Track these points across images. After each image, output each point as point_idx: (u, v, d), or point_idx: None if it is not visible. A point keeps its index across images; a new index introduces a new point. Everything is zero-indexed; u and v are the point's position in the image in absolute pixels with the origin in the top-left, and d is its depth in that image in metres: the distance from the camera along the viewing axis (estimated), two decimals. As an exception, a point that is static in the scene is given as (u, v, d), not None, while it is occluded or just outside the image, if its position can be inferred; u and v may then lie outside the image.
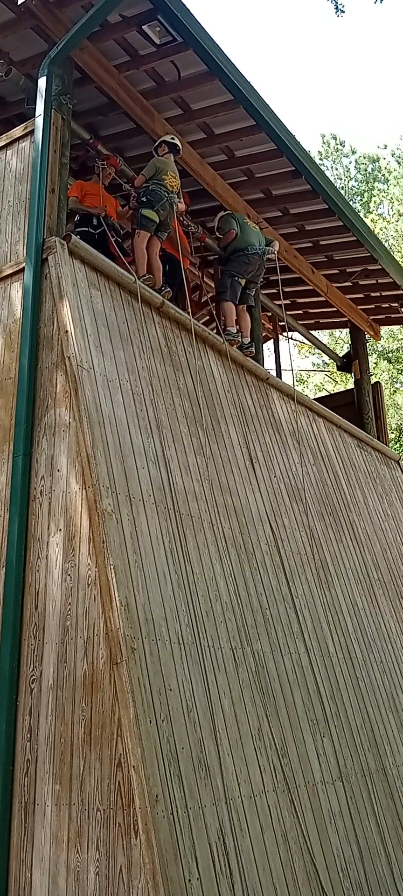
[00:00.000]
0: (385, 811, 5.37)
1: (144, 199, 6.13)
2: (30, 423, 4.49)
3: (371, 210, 22.60)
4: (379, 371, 19.70)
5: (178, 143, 6.45)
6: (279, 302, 8.67)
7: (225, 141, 7.02)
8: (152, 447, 4.81)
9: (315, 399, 10.02)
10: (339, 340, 20.55)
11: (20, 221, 5.11)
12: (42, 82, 5.20)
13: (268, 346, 11.87)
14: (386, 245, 17.55)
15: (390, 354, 20.22)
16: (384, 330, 15.57)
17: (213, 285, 8.39)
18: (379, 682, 6.29)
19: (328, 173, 24.21)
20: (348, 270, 9.20)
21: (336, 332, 20.53)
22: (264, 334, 10.26)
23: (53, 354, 4.59)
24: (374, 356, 19.81)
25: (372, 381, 10.63)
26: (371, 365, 18.54)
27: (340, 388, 18.55)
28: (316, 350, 18.04)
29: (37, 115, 5.16)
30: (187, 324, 5.93)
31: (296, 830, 4.39)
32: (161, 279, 6.04)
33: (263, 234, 7.29)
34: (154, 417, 4.99)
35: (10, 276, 5.02)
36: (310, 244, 8.72)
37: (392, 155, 24.39)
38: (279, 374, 10.40)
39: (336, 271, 9.27)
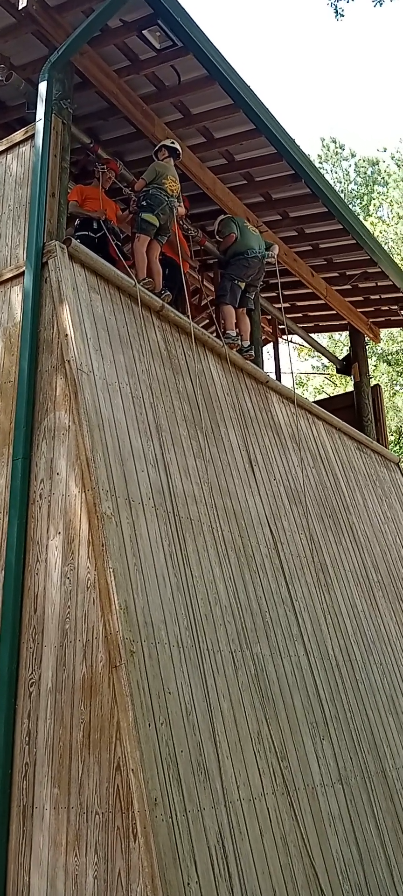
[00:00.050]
0: (384, 814, 5.37)
1: (144, 203, 6.14)
2: (29, 427, 4.50)
3: (370, 213, 22.62)
4: (379, 373, 19.71)
5: (178, 147, 6.47)
6: (278, 305, 8.69)
7: (224, 145, 7.04)
8: (152, 450, 4.82)
9: (314, 402, 10.03)
10: (339, 343, 20.56)
11: (20, 225, 5.13)
12: (42, 87, 5.22)
13: (268, 349, 11.87)
14: (386, 248, 17.56)
15: (389, 357, 20.23)
16: (383, 332, 15.58)
17: (213, 289, 8.40)
18: (379, 685, 6.30)
19: (327, 177, 24.24)
20: (347, 273, 9.22)
21: (336, 335, 20.55)
22: (264, 337, 10.27)
23: (53, 358, 4.60)
24: (374, 359, 19.82)
25: (372, 384, 10.64)
26: (371, 367, 18.56)
27: (340, 390, 18.55)
28: (316, 353, 18.04)
29: (37, 119, 5.18)
30: (187, 327, 5.94)
31: (296, 833, 4.39)
32: (161, 283, 6.05)
33: (263, 238, 7.30)
34: (153, 421, 5.00)
35: (10, 279, 5.03)
36: (310, 247, 8.73)
37: (392, 158, 24.41)
38: (278, 377, 10.42)
39: (336, 274, 9.29)
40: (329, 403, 10.32)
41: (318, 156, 25.31)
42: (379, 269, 8.84)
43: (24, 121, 6.14)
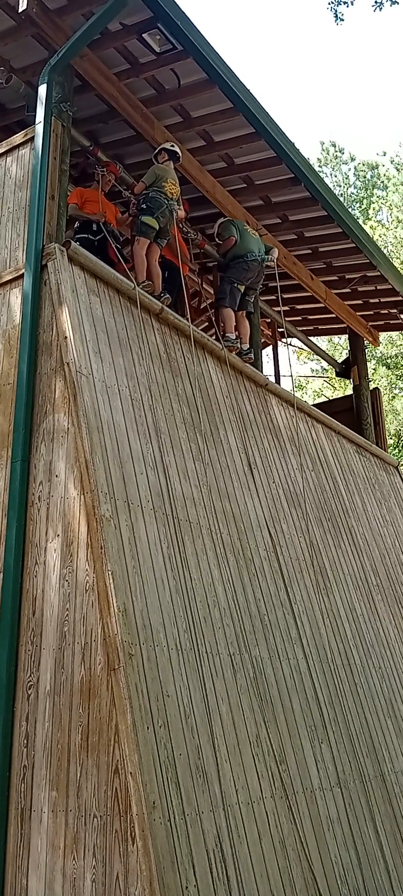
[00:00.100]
0: (383, 817, 5.37)
1: (144, 206, 6.15)
2: (28, 429, 4.50)
3: (370, 217, 22.65)
4: (378, 377, 19.72)
5: (178, 150, 6.48)
6: (278, 308, 8.69)
7: (224, 148, 7.05)
8: (151, 453, 4.82)
9: (313, 405, 10.03)
10: (338, 346, 20.58)
11: (20, 228, 5.13)
12: (42, 90, 5.22)
13: (267, 353, 11.88)
14: (385, 251, 17.59)
15: (389, 360, 20.25)
16: (382, 336, 15.62)
17: (212, 292, 8.41)
18: (378, 688, 6.29)
19: (327, 180, 24.28)
20: (347, 277, 9.23)
21: (335, 338, 20.56)
22: (263, 340, 10.28)
23: (52, 360, 4.60)
24: (373, 362, 19.83)
25: (371, 387, 10.64)
26: (370, 371, 18.57)
27: (339, 393, 18.57)
28: (315, 356, 18.05)
29: (37, 122, 5.18)
30: (186, 330, 5.95)
31: (294, 837, 4.38)
32: (160, 286, 6.06)
33: (263, 241, 7.31)
34: (153, 423, 5.00)
35: (10, 282, 5.03)
36: (309, 251, 8.74)
37: (391, 162, 24.46)
38: (278, 380, 10.43)
39: (335, 278, 9.30)
40: (328, 407, 10.33)
41: (318, 159, 25.37)
42: (379, 273, 8.86)
43: (23, 123, 6.15)
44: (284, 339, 10.94)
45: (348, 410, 9.98)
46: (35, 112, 5.25)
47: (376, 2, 8.68)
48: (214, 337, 6.72)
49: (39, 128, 5.14)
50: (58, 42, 5.56)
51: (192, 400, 5.65)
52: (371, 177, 25.33)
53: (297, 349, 17.15)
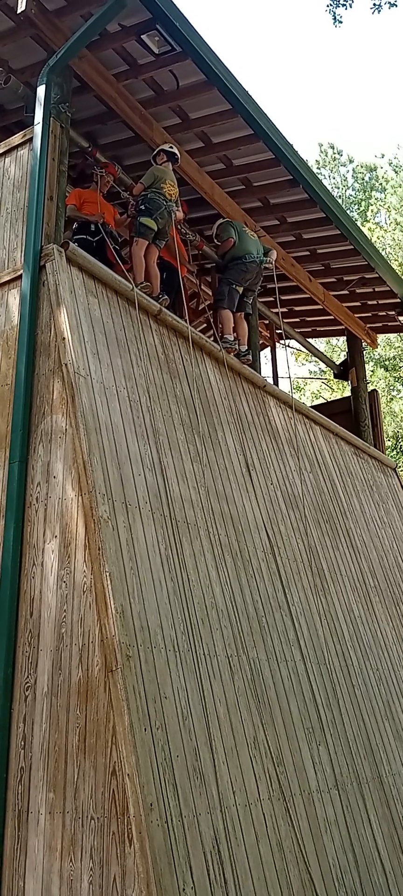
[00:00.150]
0: (380, 820, 5.37)
1: (142, 207, 6.15)
2: (26, 430, 4.49)
3: (368, 219, 22.69)
4: (376, 379, 19.74)
5: (177, 151, 6.48)
6: (276, 310, 8.70)
7: (223, 150, 7.05)
8: (149, 454, 4.81)
9: (312, 407, 10.04)
10: (336, 348, 20.60)
11: (18, 229, 5.13)
12: (41, 90, 5.22)
13: (265, 354, 11.88)
14: (383, 253, 17.62)
15: (387, 362, 20.27)
16: (381, 338, 15.62)
17: (211, 293, 8.41)
18: (375, 690, 6.29)
19: (325, 182, 24.32)
20: (345, 279, 9.24)
21: (333, 340, 20.59)
22: (261, 342, 10.29)
23: (50, 361, 4.60)
24: (371, 364, 19.86)
25: (369, 389, 10.65)
26: (368, 373, 18.58)
27: (337, 395, 18.59)
28: (313, 358, 18.08)
29: (35, 122, 5.18)
30: (184, 331, 5.95)
31: (292, 839, 4.38)
32: (158, 287, 6.06)
33: (261, 243, 7.32)
34: (151, 424, 4.99)
35: (8, 282, 5.03)
36: (308, 253, 8.75)
37: (390, 164, 24.50)
38: (276, 382, 10.43)
39: (334, 279, 9.31)
40: (326, 408, 10.33)
41: (316, 161, 25.39)
42: (377, 275, 8.87)
43: (22, 124, 6.15)
44: (282, 341, 10.96)
45: (346, 412, 9.98)
46: (34, 113, 5.25)
47: (374, 4, 8.70)
48: (212, 338, 6.73)
49: (38, 129, 5.14)
50: (56, 43, 5.56)
51: (190, 401, 5.65)
52: (370, 179, 25.37)
53: (295, 351, 17.18)
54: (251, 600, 5.16)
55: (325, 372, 20.23)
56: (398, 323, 10.38)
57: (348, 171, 25.79)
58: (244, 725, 4.45)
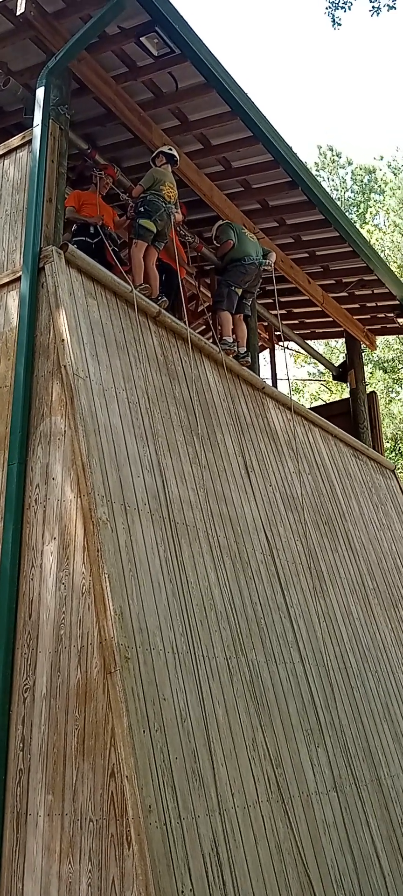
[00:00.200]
0: (379, 822, 5.36)
1: (142, 209, 6.15)
2: (25, 432, 4.49)
3: (367, 221, 22.72)
4: (375, 381, 19.76)
5: (176, 153, 6.48)
6: (275, 312, 8.70)
7: (222, 152, 7.05)
8: (147, 456, 4.81)
9: (310, 408, 10.04)
10: (335, 350, 20.61)
11: (17, 230, 5.13)
12: (40, 92, 5.22)
13: (264, 356, 11.89)
14: (382, 255, 17.62)
15: (386, 364, 20.29)
16: (379, 340, 15.63)
17: (210, 295, 8.42)
18: (374, 692, 6.29)
19: (324, 184, 24.33)
20: (344, 281, 9.24)
21: (332, 342, 20.60)
22: (260, 344, 10.29)
23: (49, 363, 4.60)
24: (370, 366, 19.87)
25: (368, 391, 10.66)
26: (367, 375, 18.58)
27: (336, 397, 18.60)
28: (312, 360, 18.09)
29: (34, 124, 5.18)
30: (183, 333, 5.95)
31: (290, 841, 4.38)
32: (157, 289, 6.06)
33: (260, 245, 7.32)
34: (149, 426, 4.99)
35: (7, 284, 5.03)
36: (306, 254, 8.75)
37: (389, 166, 24.53)
38: (275, 384, 10.43)
39: (332, 281, 9.31)
40: (325, 410, 10.34)
41: (315, 163, 25.42)
42: (376, 277, 8.87)
43: (21, 126, 6.14)
44: (281, 343, 10.96)
45: (345, 414, 9.98)
46: (33, 115, 5.25)
47: (373, 7, 8.71)
48: (211, 340, 6.73)
49: (37, 130, 5.14)
50: (55, 45, 5.57)
51: (189, 403, 5.65)
52: (369, 181, 25.41)
53: (294, 353, 17.18)
54: (250, 602, 5.16)
55: (324, 374, 20.25)
56: (397, 325, 10.39)
57: (347, 174, 25.83)
58: (243, 727, 4.45)
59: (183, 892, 3.49)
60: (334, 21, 8.97)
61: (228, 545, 5.24)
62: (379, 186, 24.60)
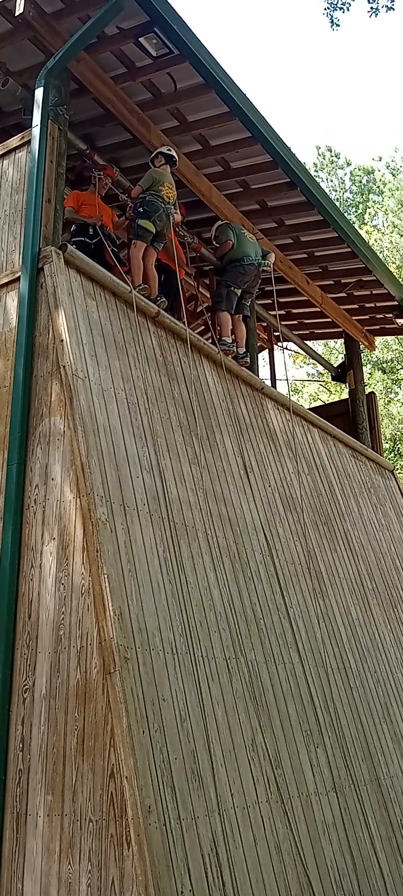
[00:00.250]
0: (378, 822, 5.36)
1: (141, 209, 6.15)
2: (24, 432, 4.49)
3: (365, 221, 22.73)
4: (374, 381, 19.77)
5: (175, 154, 6.48)
6: (274, 312, 8.71)
7: (220, 152, 7.06)
8: (147, 456, 4.81)
9: (309, 409, 10.04)
10: (334, 351, 20.62)
11: (16, 231, 5.13)
12: (39, 93, 5.22)
13: (263, 357, 11.90)
14: (381, 256, 17.63)
15: (384, 365, 20.30)
16: (378, 340, 15.65)
17: (209, 295, 8.42)
18: (373, 693, 6.29)
19: (323, 185, 24.35)
20: (343, 281, 9.25)
21: (331, 343, 20.61)
22: (259, 344, 10.29)
23: (48, 363, 4.60)
24: (369, 366, 19.88)
25: (367, 392, 10.66)
26: (366, 375, 18.60)
27: (335, 398, 18.61)
28: (311, 360, 18.09)
29: (33, 125, 5.18)
30: (182, 333, 5.95)
31: (290, 842, 4.38)
32: (156, 289, 6.06)
33: (259, 245, 7.32)
34: (149, 426, 4.99)
35: (6, 284, 5.02)
36: (305, 255, 8.76)
37: (387, 167, 24.56)
38: (274, 384, 10.43)
39: (331, 282, 9.32)
40: (324, 411, 10.34)
41: (314, 164, 25.44)
42: (374, 278, 8.88)
43: (20, 126, 6.13)
44: (280, 344, 10.96)
45: (344, 415, 9.99)
46: (32, 115, 5.25)
47: (372, 8, 8.72)
48: (210, 341, 6.73)
49: (36, 131, 5.14)
50: (54, 45, 5.57)
51: (188, 403, 5.65)
52: (367, 181, 25.43)
53: (293, 353, 17.19)
54: (249, 602, 5.16)
55: (323, 374, 20.26)
56: (395, 325, 10.40)
57: (345, 174, 25.84)
58: (242, 728, 4.45)
59: (182, 892, 3.49)
60: (333, 22, 8.97)
61: (227, 546, 5.24)
62: (378, 187, 24.62)
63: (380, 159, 25.52)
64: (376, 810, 5.41)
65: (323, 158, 25.65)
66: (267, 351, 11.18)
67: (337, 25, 8.93)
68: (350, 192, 25.65)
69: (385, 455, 14.58)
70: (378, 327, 10.57)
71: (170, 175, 6.39)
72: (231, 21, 44.93)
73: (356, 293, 9.50)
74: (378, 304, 9.81)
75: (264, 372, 11.82)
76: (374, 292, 9.40)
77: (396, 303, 9.53)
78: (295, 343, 10.51)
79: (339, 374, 10.97)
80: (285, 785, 4.57)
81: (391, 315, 10.05)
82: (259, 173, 7.28)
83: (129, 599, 4.03)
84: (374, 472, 9.26)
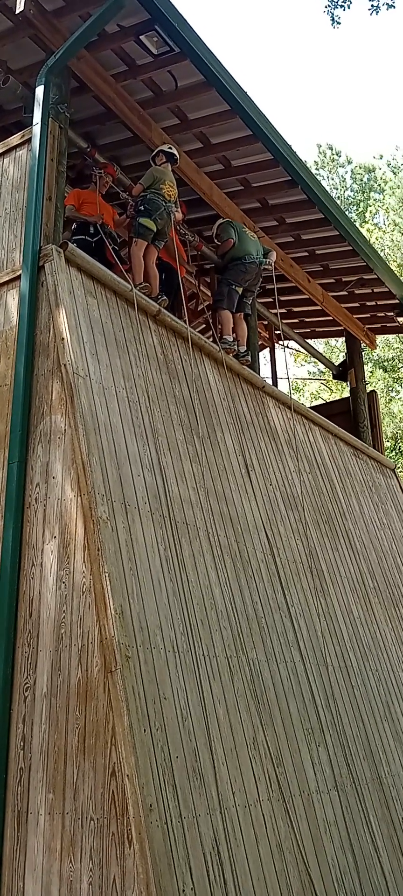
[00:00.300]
0: (380, 821, 5.36)
1: (142, 207, 6.15)
2: (25, 430, 4.49)
3: (366, 220, 22.71)
4: (375, 380, 19.76)
5: (176, 152, 6.48)
6: (275, 311, 8.70)
7: (221, 151, 7.05)
8: (148, 455, 4.81)
9: (311, 407, 10.04)
10: (335, 349, 20.61)
11: (17, 229, 5.12)
12: (39, 91, 5.22)
13: (264, 355, 11.89)
14: (382, 254, 17.62)
15: (386, 363, 20.29)
16: (379, 339, 15.62)
17: (210, 294, 8.41)
18: (375, 691, 6.29)
19: (324, 183, 24.33)
20: (344, 280, 9.24)
21: (332, 341, 20.60)
22: (260, 343, 10.29)
23: (49, 362, 4.60)
24: (370, 365, 19.87)
25: (368, 390, 10.65)
26: (367, 374, 18.59)
27: (336, 396, 18.60)
28: (312, 359, 18.08)
29: (34, 123, 5.18)
30: (183, 332, 5.94)
31: (291, 840, 4.38)
32: (157, 287, 6.06)
33: (261, 244, 7.32)
34: (150, 425, 4.99)
35: (7, 283, 5.02)
36: (306, 253, 8.75)
37: (388, 165, 24.53)
38: (275, 383, 10.43)
39: (332, 280, 9.30)
40: (325, 409, 10.33)
41: (315, 162, 25.41)
42: (375, 276, 8.87)
43: (21, 124, 6.14)
44: (281, 342, 10.95)
45: (345, 413, 9.98)
46: (32, 113, 5.25)
47: (373, 5, 8.70)
48: (211, 339, 6.72)
49: (36, 129, 5.14)
50: (55, 44, 5.56)
51: (189, 402, 5.65)
52: (368, 180, 25.40)
53: (294, 352, 17.18)
54: (250, 601, 5.15)
55: (324, 373, 20.24)
56: (396, 324, 10.38)
57: (346, 172, 25.82)
58: (243, 726, 4.44)
59: (184, 890, 3.49)
60: (333, 20, 8.95)
61: (228, 544, 5.24)
62: (379, 185, 24.60)
63: (381, 157, 25.50)
64: (377, 809, 5.40)
65: (324, 156, 25.62)
66: (268, 349, 11.18)
67: (338, 23, 8.91)
68: (351, 191, 25.62)
69: (386, 453, 14.56)
70: (379, 325, 10.56)
71: (170, 173, 6.38)
72: (232, 19, 44.91)
73: (357, 291, 9.49)
74: (379, 303, 9.80)
75: (265, 370, 11.84)
76: (375, 290, 9.39)
77: (397, 301, 9.52)
78: (296, 341, 10.50)
79: (340, 373, 10.96)
80: (286, 783, 4.57)
81: (392, 313, 10.04)
82: (260, 171, 7.27)
83: (130, 598, 4.03)
84: (375, 471, 9.25)
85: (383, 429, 12.62)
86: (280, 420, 7.11)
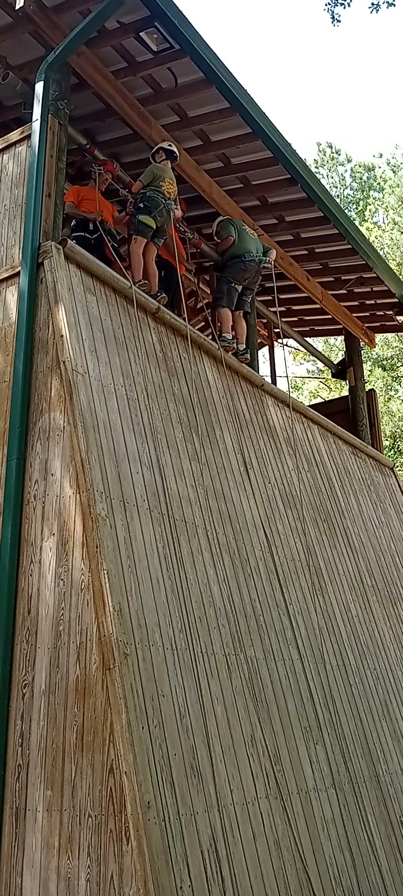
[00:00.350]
0: (377, 819, 5.37)
1: (141, 205, 6.14)
2: (24, 427, 4.48)
3: (366, 218, 22.71)
4: (374, 378, 19.77)
5: (175, 149, 6.47)
6: (274, 309, 8.70)
7: (221, 148, 7.04)
8: (146, 452, 4.81)
9: (309, 406, 10.04)
10: (334, 348, 20.61)
11: (16, 225, 5.12)
12: (39, 87, 5.21)
13: (263, 353, 11.89)
14: (381, 253, 17.63)
15: (385, 362, 20.30)
16: (378, 337, 15.63)
17: (209, 291, 8.40)
18: (373, 690, 6.30)
19: (323, 181, 24.32)
20: (343, 278, 9.24)
21: (331, 340, 20.60)
22: (259, 341, 10.28)
23: (48, 359, 4.59)
24: (369, 363, 19.87)
25: (367, 389, 10.66)
26: (366, 372, 18.59)
27: (335, 395, 18.61)
28: (311, 357, 18.07)
29: (34, 119, 5.17)
30: (182, 330, 5.94)
31: (289, 838, 4.38)
32: (157, 285, 6.05)
33: (261, 242, 7.31)
34: (148, 423, 4.99)
35: (6, 279, 5.01)
36: (306, 252, 8.75)
37: (388, 164, 24.52)
38: (274, 381, 10.43)
39: (332, 279, 9.30)
40: (324, 408, 10.34)
41: (314, 160, 25.40)
42: (375, 275, 8.87)
43: (20, 121, 6.13)
44: (280, 340, 10.95)
45: (344, 412, 9.98)
46: (32, 109, 5.23)
47: (373, 3, 8.68)
48: (211, 337, 6.72)
49: (36, 125, 5.13)
50: (55, 40, 5.55)
51: (188, 400, 5.64)
52: (368, 178, 25.39)
53: (293, 350, 17.18)
54: (248, 599, 5.16)
55: (323, 371, 20.24)
56: (396, 322, 10.39)
57: (346, 171, 25.80)
58: (241, 724, 4.45)
59: (181, 887, 3.49)
60: (333, 18, 8.92)
61: (227, 542, 5.24)
62: (379, 184, 24.59)
63: (381, 156, 25.50)
64: (375, 807, 5.41)
65: (324, 155, 25.60)
66: (267, 347, 11.17)
67: (338, 21, 8.88)
68: (351, 189, 25.61)
69: (384, 452, 14.58)
70: (378, 324, 10.57)
71: (170, 171, 6.37)
72: (232, 16, 44.85)
73: (356, 290, 9.49)
74: (378, 301, 9.80)
75: (264, 368, 11.84)
76: (374, 289, 9.39)
77: (396, 300, 9.52)
78: (295, 340, 10.50)
79: (339, 371, 10.97)
80: (284, 781, 4.57)
81: (391, 312, 10.04)
82: (259, 169, 7.27)
83: (129, 595, 4.03)
84: (374, 470, 9.25)
85: (382, 427, 12.63)
86: (279, 418, 7.11)
